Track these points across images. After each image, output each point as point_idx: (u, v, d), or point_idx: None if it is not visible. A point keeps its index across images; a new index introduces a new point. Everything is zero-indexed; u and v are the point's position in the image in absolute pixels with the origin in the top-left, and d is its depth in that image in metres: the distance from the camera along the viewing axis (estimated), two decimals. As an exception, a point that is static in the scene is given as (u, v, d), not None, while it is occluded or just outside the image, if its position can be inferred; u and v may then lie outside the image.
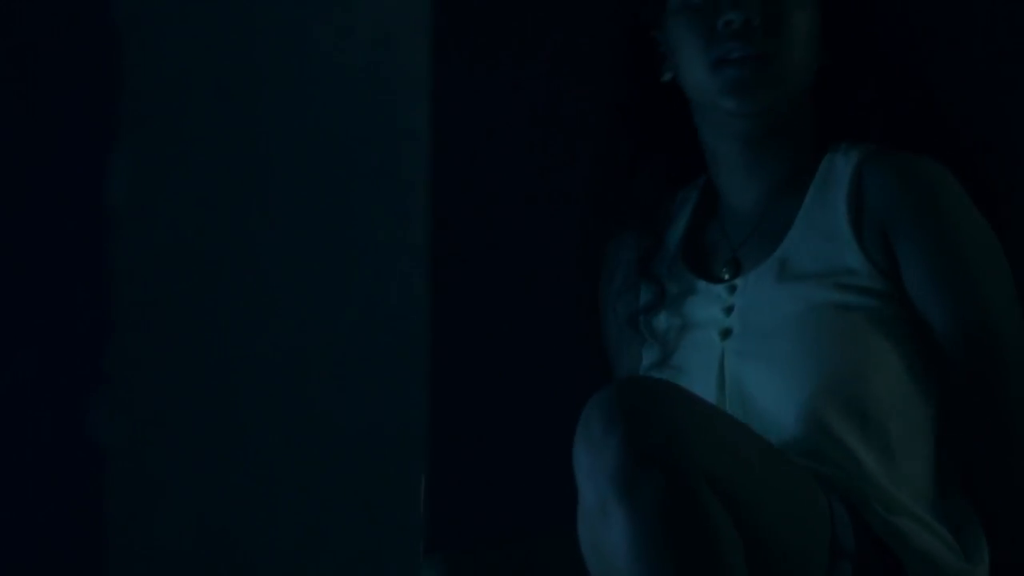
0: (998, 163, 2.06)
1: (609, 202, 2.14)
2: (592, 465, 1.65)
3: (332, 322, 1.09)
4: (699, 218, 2.09)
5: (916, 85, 2.00)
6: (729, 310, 1.97)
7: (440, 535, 1.89)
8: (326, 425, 1.07)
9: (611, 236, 2.15)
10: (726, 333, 1.95)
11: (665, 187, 2.13)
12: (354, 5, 1.13)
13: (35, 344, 0.92)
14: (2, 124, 0.95)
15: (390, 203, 1.17)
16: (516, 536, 2.06)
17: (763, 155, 2.00)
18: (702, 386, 1.87)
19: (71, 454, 0.92)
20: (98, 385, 0.91)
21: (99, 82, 0.95)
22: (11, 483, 0.92)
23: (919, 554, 1.80)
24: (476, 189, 2.33)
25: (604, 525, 1.65)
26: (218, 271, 1.00)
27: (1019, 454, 1.84)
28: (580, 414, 1.69)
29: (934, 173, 1.91)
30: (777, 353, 1.88)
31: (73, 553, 0.92)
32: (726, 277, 2.00)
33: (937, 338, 1.87)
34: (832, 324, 1.86)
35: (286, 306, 1.05)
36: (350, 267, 1.12)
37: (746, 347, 1.92)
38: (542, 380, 2.28)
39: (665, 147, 2.11)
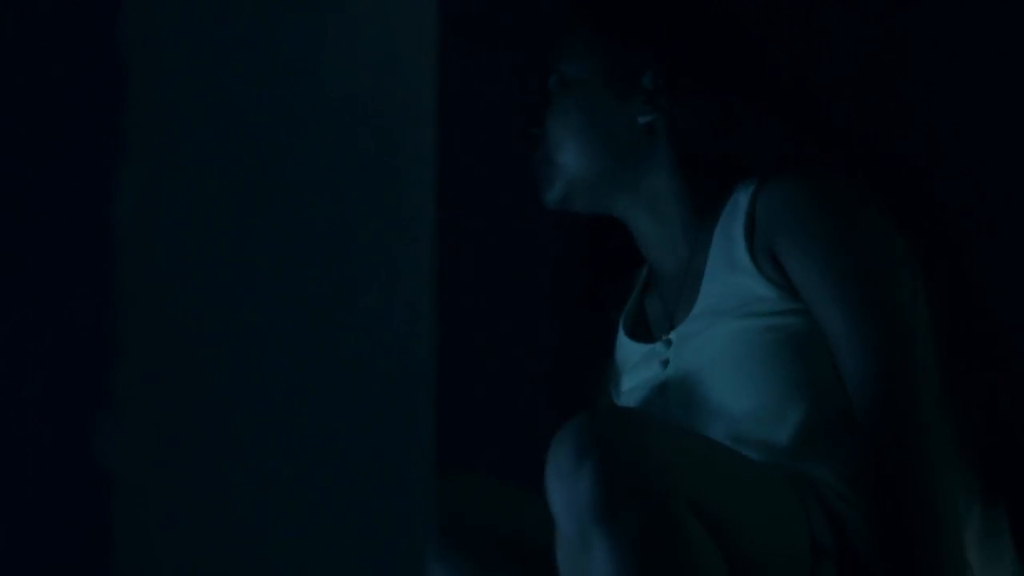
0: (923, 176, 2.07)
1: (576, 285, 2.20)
2: (567, 498, 1.63)
3: (338, 341, 1.10)
4: (644, 291, 2.15)
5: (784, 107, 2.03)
6: (666, 363, 1.99)
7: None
8: (334, 444, 1.07)
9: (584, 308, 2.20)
10: (664, 386, 1.98)
11: (624, 267, 2.19)
12: (360, 26, 1.13)
13: (41, 363, 0.93)
14: (8, 141, 0.95)
15: (396, 223, 1.17)
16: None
17: (648, 224, 2.06)
18: None
19: (77, 475, 0.92)
20: (104, 405, 0.91)
21: (105, 103, 0.95)
22: (17, 504, 0.93)
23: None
24: (482, 208, 2.34)
25: (587, 557, 1.63)
26: (224, 289, 1.00)
27: (905, 459, 1.82)
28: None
29: (815, 184, 1.93)
30: (710, 390, 1.91)
31: (80, 574, 0.92)
32: (664, 336, 2.03)
33: (830, 347, 1.87)
34: (754, 348, 1.88)
35: (292, 326, 1.06)
36: (356, 286, 1.12)
37: (682, 393, 1.94)
38: (548, 393, 2.29)
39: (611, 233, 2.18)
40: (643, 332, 2.10)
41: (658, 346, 2.02)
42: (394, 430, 1.13)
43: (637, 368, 2.04)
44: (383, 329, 1.14)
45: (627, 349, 2.08)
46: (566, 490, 1.63)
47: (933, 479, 1.78)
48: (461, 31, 2.28)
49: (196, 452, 0.96)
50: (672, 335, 2.00)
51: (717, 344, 1.91)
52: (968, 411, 1.90)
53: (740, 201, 1.97)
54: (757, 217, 1.93)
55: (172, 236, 0.95)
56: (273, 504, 1.01)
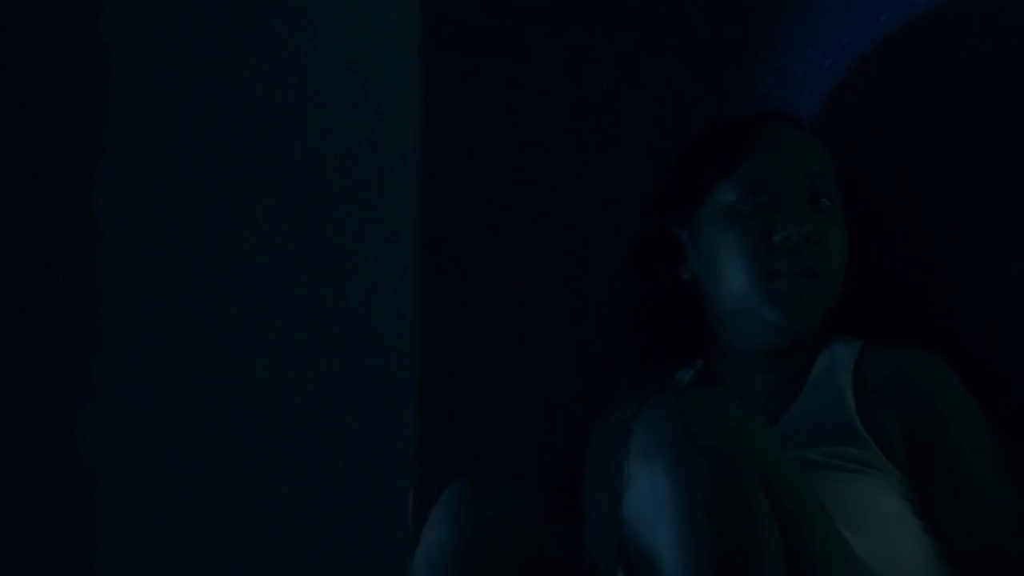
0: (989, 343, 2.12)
1: (599, 389, 2.19)
2: (647, 442, 1.68)
3: (321, 336, 1.10)
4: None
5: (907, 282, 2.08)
6: None
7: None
8: (315, 439, 1.08)
9: (599, 418, 2.18)
10: None
11: (655, 369, 2.17)
12: (343, 23, 1.13)
13: (24, 359, 0.93)
14: (-6, 142, 0.96)
15: (379, 218, 1.17)
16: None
17: (778, 358, 2.04)
18: None
19: (61, 468, 0.93)
20: (87, 400, 0.92)
21: (88, 99, 0.95)
22: (1, 497, 0.93)
23: None
24: (464, 203, 2.34)
25: (653, 499, 1.68)
26: (207, 286, 1.01)
27: None
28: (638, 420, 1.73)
29: (931, 364, 1.98)
30: None
31: (64, 567, 0.93)
32: None
33: (940, 510, 1.93)
34: (827, 483, 1.90)
35: (275, 321, 1.06)
36: (339, 281, 1.12)
37: None
38: (531, 393, 2.29)
39: (669, 340, 2.13)
40: None
41: None
42: (376, 426, 1.13)
43: None
44: (365, 325, 1.15)
45: None
46: (648, 436, 1.68)
47: None
48: (444, 29, 2.28)
49: (178, 446, 0.96)
50: None
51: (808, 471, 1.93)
52: None
53: (839, 353, 1.99)
54: (870, 381, 1.94)
55: (155, 233, 0.96)
56: (254, 497, 1.02)
